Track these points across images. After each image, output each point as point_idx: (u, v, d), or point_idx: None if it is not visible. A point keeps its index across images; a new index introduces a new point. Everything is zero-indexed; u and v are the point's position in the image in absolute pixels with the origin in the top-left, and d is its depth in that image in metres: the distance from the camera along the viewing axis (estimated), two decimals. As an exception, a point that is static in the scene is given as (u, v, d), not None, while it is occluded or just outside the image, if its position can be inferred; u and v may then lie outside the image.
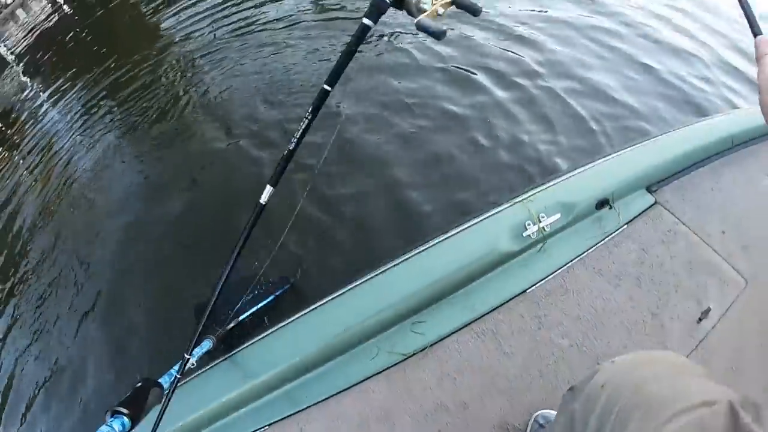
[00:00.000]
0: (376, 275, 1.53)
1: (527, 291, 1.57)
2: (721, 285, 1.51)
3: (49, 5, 11.43)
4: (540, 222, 1.60)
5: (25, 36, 10.08)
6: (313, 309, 1.46)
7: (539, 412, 1.35)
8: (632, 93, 3.20)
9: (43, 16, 10.79)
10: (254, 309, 1.97)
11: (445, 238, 1.59)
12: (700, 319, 1.45)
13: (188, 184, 3.17)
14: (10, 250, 3.41)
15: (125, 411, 0.90)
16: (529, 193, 1.66)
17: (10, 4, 14.38)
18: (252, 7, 5.36)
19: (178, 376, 1.16)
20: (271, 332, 1.49)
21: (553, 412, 1.33)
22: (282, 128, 3.36)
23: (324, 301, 1.48)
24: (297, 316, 1.47)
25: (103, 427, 0.84)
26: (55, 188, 3.79)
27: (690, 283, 1.52)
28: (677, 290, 1.52)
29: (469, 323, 1.53)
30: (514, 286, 1.58)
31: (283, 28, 4.64)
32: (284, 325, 1.49)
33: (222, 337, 1.60)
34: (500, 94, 3.26)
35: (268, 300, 2.07)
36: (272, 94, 3.69)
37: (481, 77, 3.43)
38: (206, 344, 1.51)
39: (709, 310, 1.46)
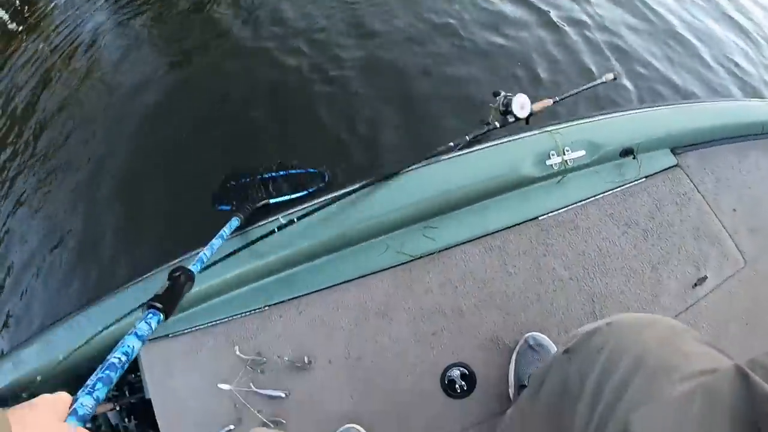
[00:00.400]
0: (396, 175, 1.54)
1: (539, 218, 1.59)
2: (721, 259, 1.56)
3: None
4: (564, 155, 1.60)
5: None
6: (328, 201, 1.48)
7: (530, 333, 1.41)
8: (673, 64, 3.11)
9: None
10: (286, 198, 1.93)
11: (470, 152, 1.59)
12: (695, 285, 1.51)
13: (210, 74, 3.13)
14: (27, 123, 3.40)
15: (160, 306, 0.87)
16: (558, 126, 1.65)
17: None
18: None
19: (206, 260, 1.17)
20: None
21: (544, 337, 1.38)
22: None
23: (340, 192, 1.50)
24: (314, 205, 1.49)
25: (142, 324, 0.82)
26: (78, 66, 3.73)
27: (693, 249, 1.57)
28: (680, 252, 1.57)
29: (479, 237, 1.56)
30: (527, 210, 1.60)
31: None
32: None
33: (248, 215, 1.57)
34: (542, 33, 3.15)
35: (301, 194, 2.04)
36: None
37: (526, 13, 3.28)
38: (235, 222, 1.47)
39: (706, 278, 1.52)
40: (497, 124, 1.70)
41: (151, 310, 0.87)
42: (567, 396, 0.69)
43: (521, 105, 1.68)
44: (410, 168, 1.54)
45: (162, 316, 0.87)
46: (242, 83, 2.96)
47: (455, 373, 1.36)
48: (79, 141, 3.01)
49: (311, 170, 2.32)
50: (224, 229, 1.39)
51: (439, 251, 1.54)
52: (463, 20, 3.20)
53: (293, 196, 1.99)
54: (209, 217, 2.12)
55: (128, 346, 0.75)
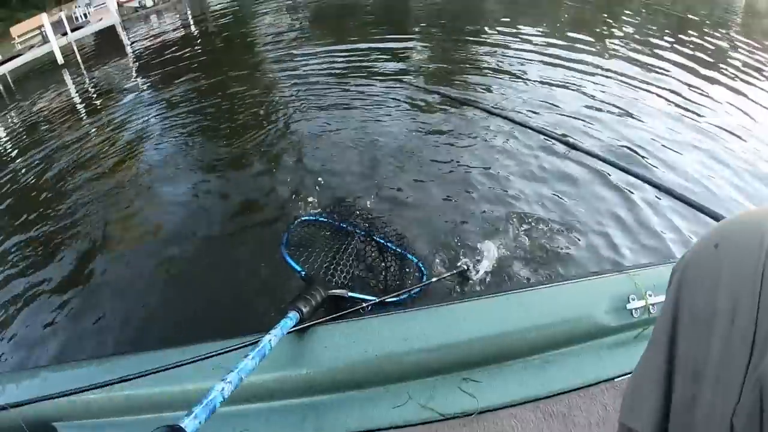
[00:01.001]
0: (438, 306, 1.22)
1: (615, 380, 1.20)
2: None
3: (180, 22, 12.85)
4: (647, 299, 1.26)
5: (149, 36, 11.36)
6: (351, 319, 1.17)
7: None
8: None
9: (170, 27, 12.22)
10: (372, 300, 1.47)
11: (531, 290, 1.27)
12: None
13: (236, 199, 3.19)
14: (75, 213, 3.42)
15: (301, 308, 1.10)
16: (635, 269, 1.34)
17: (150, 7, 16.59)
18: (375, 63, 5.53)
19: None
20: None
21: None
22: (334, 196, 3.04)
23: (366, 316, 1.19)
24: (333, 320, 1.18)
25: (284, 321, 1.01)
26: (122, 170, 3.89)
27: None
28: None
29: (537, 399, 1.15)
30: (601, 369, 1.21)
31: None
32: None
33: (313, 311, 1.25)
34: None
35: (393, 298, 1.62)
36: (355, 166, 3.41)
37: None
38: (291, 321, 1.16)
39: None
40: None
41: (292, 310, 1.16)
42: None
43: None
44: (455, 301, 1.23)
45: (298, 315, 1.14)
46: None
47: None
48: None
49: (410, 256, 2.06)
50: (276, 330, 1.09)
51: (480, 412, 1.14)
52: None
53: (384, 298, 1.52)
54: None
55: None
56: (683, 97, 4.23)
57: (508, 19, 7.44)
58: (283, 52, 6.82)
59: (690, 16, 7.87)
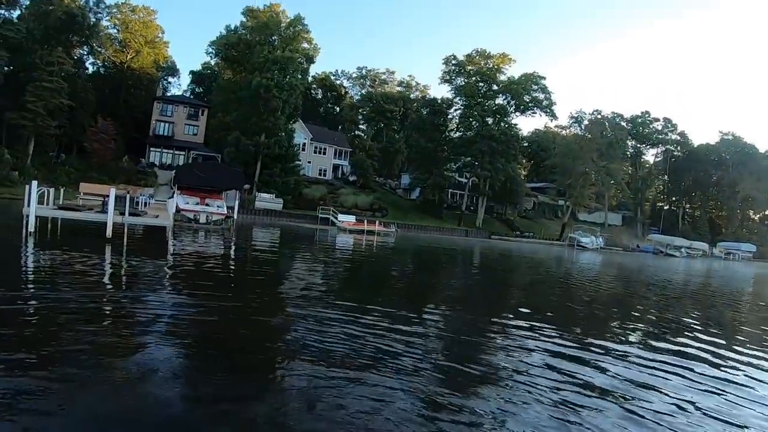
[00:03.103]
0: None
1: None
2: None
3: (223, 246, 14.21)
4: None
5: (191, 247, 12.60)
6: None
7: None
8: None
9: (212, 247, 13.61)
10: None
11: None
12: None
13: None
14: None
15: None
16: None
17: (202, 223, 18.37)
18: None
19: None
20: None
21: None
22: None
23: None
24: None
25: None
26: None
27: None
28: None
29: None
30: None
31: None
32: None
33: None
34: None
35: None
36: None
37: None
38: None
39: None
40: None
41: None
42: None
43: None
44: None
45: None
46: None
47: None
48: None
49: None
50: None
51: None
52: None
53: None
54: None
55: None
56: None
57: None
58: (304, 301, 7.05)
59: None
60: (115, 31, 46.97)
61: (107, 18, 45.20)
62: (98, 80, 44.34)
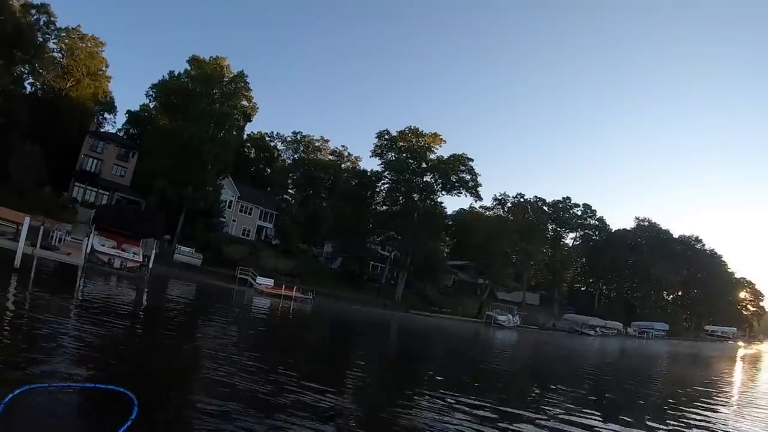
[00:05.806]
0: None
1: None
2: None
3: (134, 294, 13.94)
4: None
5: (101, 291, 12.34)
6: None
7: None
8: None
9: (123, 293, 13.38)
10: None
11: None
12: None
13: None
14: None
15: None
16: None
17: (116, 268, 17.38)
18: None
19: None
20: None
21: None
22: None
23: None
24: None
25: None
26: None
27: None
28: None
29: None
30: None
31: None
32: None
33: None
34: None
35: None
36: None
37: None
38: None
39: None
40: None
41: None
42: None
43: None
44: None
45: None
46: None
47: None
48: None
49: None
50: None
51: None
52: None
53: None
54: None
55: None
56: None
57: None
58: (214, 364, 6.85)
59: None
60: (60, 55, 45.32)
61: (54, 40, 43.69)
62: (33, 102, 42.37)
